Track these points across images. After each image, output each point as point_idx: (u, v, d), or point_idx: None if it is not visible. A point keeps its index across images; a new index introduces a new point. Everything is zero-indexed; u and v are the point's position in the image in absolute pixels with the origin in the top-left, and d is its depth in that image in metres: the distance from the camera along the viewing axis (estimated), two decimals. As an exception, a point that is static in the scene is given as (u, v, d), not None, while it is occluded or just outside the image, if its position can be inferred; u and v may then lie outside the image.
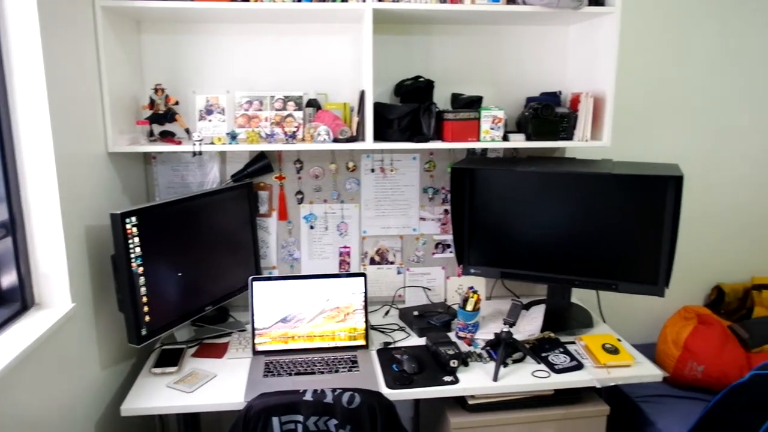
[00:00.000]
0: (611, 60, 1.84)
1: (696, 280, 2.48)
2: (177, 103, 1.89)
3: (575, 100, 1.94)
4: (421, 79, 1.98)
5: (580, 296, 2.31)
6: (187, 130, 1.92)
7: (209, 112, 1.85)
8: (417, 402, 2.24)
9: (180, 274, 1.79)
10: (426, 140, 1.87)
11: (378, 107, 1.88)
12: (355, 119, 1.89)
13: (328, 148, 1.84)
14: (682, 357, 2.07)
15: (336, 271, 2.19)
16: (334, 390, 1.43)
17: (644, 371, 1.74)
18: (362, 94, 1.83)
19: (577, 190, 1.91)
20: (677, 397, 2.07)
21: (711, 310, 2.38)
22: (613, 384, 1.73)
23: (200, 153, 1.98)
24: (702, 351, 2.04)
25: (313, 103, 1.95)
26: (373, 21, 1.86)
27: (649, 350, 2.34)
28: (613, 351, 1.79)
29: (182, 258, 1.80)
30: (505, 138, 1.90)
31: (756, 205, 2.44)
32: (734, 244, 2.47)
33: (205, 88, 1.99)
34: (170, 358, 1.75)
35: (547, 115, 1.87)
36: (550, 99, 2.02)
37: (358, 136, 1.88)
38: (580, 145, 1.92)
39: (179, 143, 1.82)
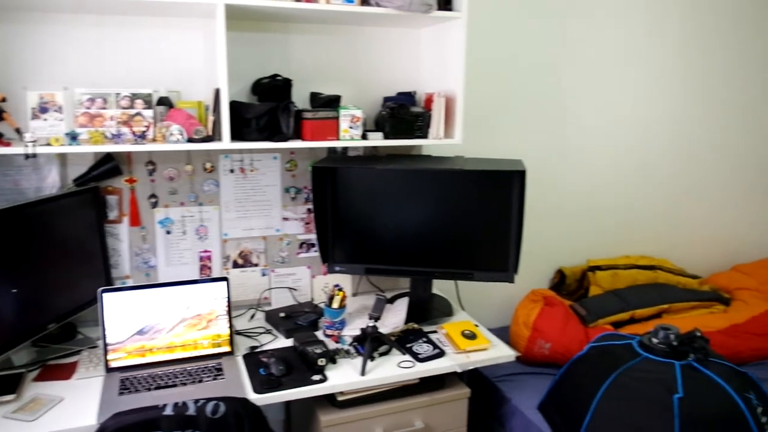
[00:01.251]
0: (460, 62, 1.95)
1: (541, 266, 2.70)
2: (4, 99, 1.70)
3: (429, 100, 2.03)
4: (279, 78, 1.96)
5: (440, 287, 2.42)
6: (18, 130, 1.73)
7: (44, 110, 1.68)
8: (288, 404, 2.22)
9: (15, 290, 1.61)
10: (285, 139, 1.85)
11: (235, 106, 1.83)
12: (211, 118, 1.82)
13: (183, 148, 1.76)
14: (532, 336, 2.25)
15: (196, 277, 2.10)
16: (196, 401, 1.37)
17: (499, 353, 1.87)
18: (217, 93, 1.77)
19: (433, 186, 2.00)
20: (529, 373, 2.24)
21: (555, 291, 2.61)
22: (472, 367, 1.83)
23: (34, 155, 1.80)
24: (548, 330, 2.23)
25: (165, 102, 1.84)
26: (227, 17, 1.80)
27: (503, 333, 2.52)
28: (472, 336, 1.90)
29: (17, 272, 1.62)
30: (363, 137, 1.94)
31: (591, 196, 2.72)
32: (573, 231, 2.73)
33: (39, 84, 1.80)
34: (7, 385, 1.57)
35: (403, 114, 1.94)
36: (406, 99, 2.09)
37: (215, 136, 1.81)
38: (434, 143, 2.01)
39: (8, 144, 1.64)
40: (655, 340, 1.80)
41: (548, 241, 2.69)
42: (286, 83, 1.96)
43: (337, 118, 1.89)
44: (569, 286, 2.68)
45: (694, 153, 2.93)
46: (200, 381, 1.62)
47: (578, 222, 2.74)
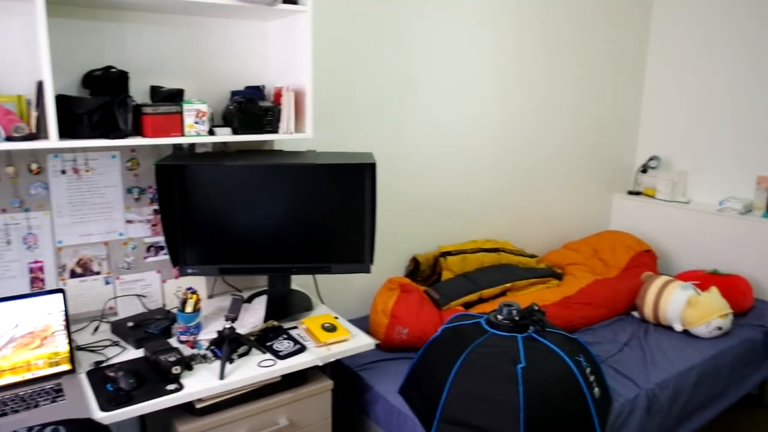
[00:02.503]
0: (307, 56, 1.94)
1: (397, 254, 2.80)
2: None
3: (278, 95, 2.00)
4: (114, 70, 1.82)
5: (299, 282, 2.41)
6: None
7: None
8: (143, 419, 2.08)
9: None
10: (123, 136, 1.72)
11: (62, 100, 1.66)
12: (34, 114, 1.64)
13: (0, 148, 1.57)
14: (390, 323, 2.32)
15: (26, 291, 1.89)
16: (31, 428, 1.24)
17: (360, 342, 1.91)
18: (40, 85, 1.59)
19: (286, 181, 1.98)
20: (390, 359, 2.31)
21: (410, 278, 2.72)
22: (334, 359, 1.85)
23: None
24: (405, 316, 2.32)
25: (-25, 96, 1.63)
26: (49, 1, 1.63)
27: (363, 322, 2.57)
28: (332, 329, 1.91)
29: None
30: (211, 132, 1.87)
31: (440, 186, 2.86)
32: (425, 220, 2.86)
33: None
34: None
35: (252, 108, 1.90)
36: (254, 93, 2.05)
37: (39, 134, 1.63)
38: (285, 138, 1.99)
39: None
40: (500, 317, 1.95)
41: (402, 231, 2.79)
42: (122, 76, 1.82)
43: (180, 113, 1.79)
44: (423, 272, 2.80)
45: (530, 144, 3.20)
46: (36, 406, 1.47)
47: (430, 211, 2.87)
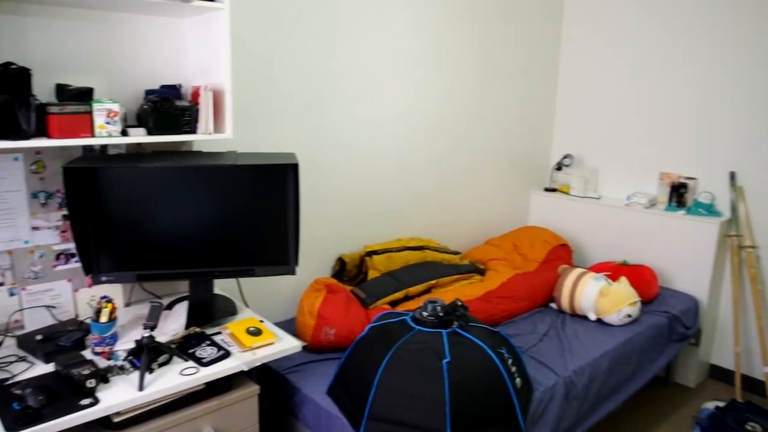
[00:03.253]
0: (225, 54, 1.90)
1: (323, 255, 2.79)
2: None
3: (196, 94, 1.94)
4: (14, 67, 1.70)
5: (223, 286, 2.35)
6: None
7: None
8: (54, 437, 1.96)
9: None
10: (26, 137, 1.61)
11: (-45, 99, 1.54)
12: None
13: None
14: (317, 325, 2.31)
15: None
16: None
17: (286, 345, 1.89)
18: (-72, 83, 1.47)
19: (206, 183, 1.93)
20: (317, 361, 2.30)
21: (336, 279, 2.71)
22: (259, 364, 1.82)
23: None
24: (332, 316, 2.31)
25: None
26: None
27: (291, 325, 2.55)
28: (257, 333, 1.88)
29: None
30: (124, 133, 1.79)
31: (365, 185, 2.87)
32: (350, 219, 2.86)
33: None
34: None
35: (167, 108, 1.83)
36: (170, 92, 1.97)
37: (-71, 136, 1.51)
38: (204, 138, 1.94)
39: None
40: (425, 314, 1.98)
41: (328, 231, 2.78)
42: (23, 73, 1.70)
43: (90, 112, 1.70)
44: (350, 272, 2.80)
45: (453, 144, 3.27)
46: (-69, 430, 1.36)
47: (355, 211, 2.88)
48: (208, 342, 1.84)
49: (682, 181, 3.26)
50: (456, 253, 3.13)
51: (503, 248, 3.34)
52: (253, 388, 1.85)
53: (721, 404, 2.88)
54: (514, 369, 1.96)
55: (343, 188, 2.80)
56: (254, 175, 1.95)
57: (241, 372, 1.81)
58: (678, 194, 3.26)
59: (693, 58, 3.21)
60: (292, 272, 2.06)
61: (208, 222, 1.96)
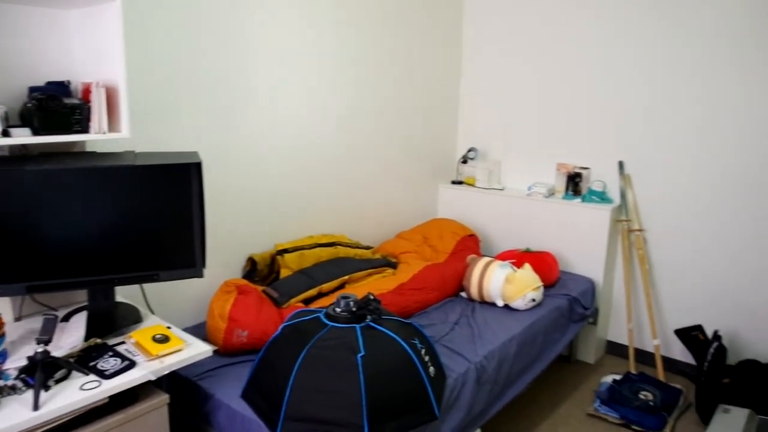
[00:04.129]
0: (119, 49, 1.80)
1: (232, 255, 2.72)
2: None
3: (87, 91, 1.83)
4: None
5: (126, 293, 2.24)
6: None
7: None
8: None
9: None
10: None
11: None
12: None
13: None
14: (229, 327, 2.25)
15: None
16: None
17: (196, 351, 1.83)
18: None
19: (102, 185, 1.82)
20: (230, 365, 2.24)
21: (248, 279, 2.66)
22: (168, 372, 1.75)
23: None
24: (244, 318, 2.26)
25: None
26: None
27: (201, 329, 2.46)
28: (164, 340, 1.81)
29: None
30: (5, 133, 1.65)
31: (274, 182, 2.82)
32: (259, 218, 2.81)
33: None
34: None
35: (54, 106, 1.71)
36: (58, 89, 1.85)
37: None
38: (98, 138, 1.83)
39: None
40: (338, 310, 1.98)
41: (236, 231, 2.71)
42: None
43: (-36, 112, 1.56)
44: (261, 271, 2.75)
45: (362, 139, 3.28)
46: None
47: (264, 209, 2.82)
48: (111, 353, 1.74)
49: (577, 170, 3.46)
50: (368, 247, 3.16)
51: (414, 241, 3.41)
52: (162, 398, 1.78)
53: (617, 377, 3.10)
54: (427, 358, 2.00)
55: (251, 187, 2.74)
56: (154, 176, 1.87)
57: (149, 382, 1.73)
58: (574, 183, 3.46)
59: (585, 57, 3.42)
60: (200, 275, 1.99)
61: (106, 227, 1.86)
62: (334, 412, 1.77)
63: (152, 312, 2.15)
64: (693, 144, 3.11)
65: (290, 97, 2.85)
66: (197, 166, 1.88)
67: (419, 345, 2.01)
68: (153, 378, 1.70)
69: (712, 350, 2.82)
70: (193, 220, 1.94)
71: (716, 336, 2.89)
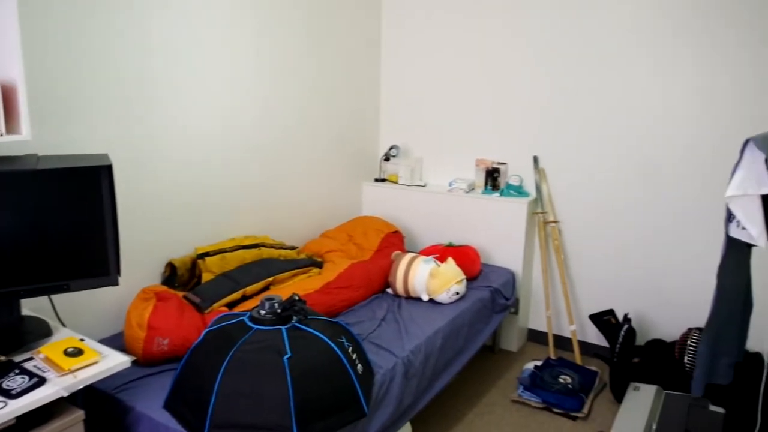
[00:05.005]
0: (15, 46, 1.68)
1: (150, 261, 2.61)
2: None
3: (-20, 91, 1.70)
4: None
5: (33, 306, 2.10)
6: None
7: None
8: None
9: None
10: None
11: None
12: None
13: None
14: (149, 336, 2.16)
15: None
16: None
17: (112, 362, 1.75)
18: None
19: (2, 192, 1.70)
20: (151, 375, 2.15)
21: (167, 285, 2.57)
22: (82, 386, 1.66)
23: None
24: (164, 326, 2.18)
25: None
26: None
27: (118, 339, 2.36)
28: (77, 353, 1.71)
29: None
30: None
31: (194, 184, 2.74)
32: (178, 222, 2.71)
33: None
34: None
35: (-56, 108, 1.58)
36: (-53, 89, 1.71)
37: None
38: (-4, 141, 1.71)
39: None
40: (263, 312, 1.95)
41: (154, 235, 2.61)
42: None
43: None
44: (181, 277, 2.66)
45: (283, 139, 3.24)
46: None
47: (183, 212, 2.73)
48: (18, 370, 1.64)
49: (495, 166, 3.58)
50: (293, 248, 3.12)
51: (339, 239, 3.41)
52: (77, 414, 1.69)
53: (538, 363, 3.23)
54: (354, 356, 2.01)
55: (169, 189, 2.64)
56: (60, 180, 1.76)
57: (62, 399, 1.64)
58: (492, 178, 3.58)
59: (498, 55, 3.53)
60: (115, 283, 1.90)
61: (6, 235, 1.73)
62: (262, 415, 1.74)
63: (63, 324, 2.03)
64: (597, 137, 3.29)
65: (208, 96, 2.77)
66: (108, 169, 1.80)
67: (346, 343, 2.01)
68: (65, 394, 1.60)
69: (622, 333, 3.00)
70: (105, 225, 1.84)
71: (626, 319, 3.08)
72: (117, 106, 2.38)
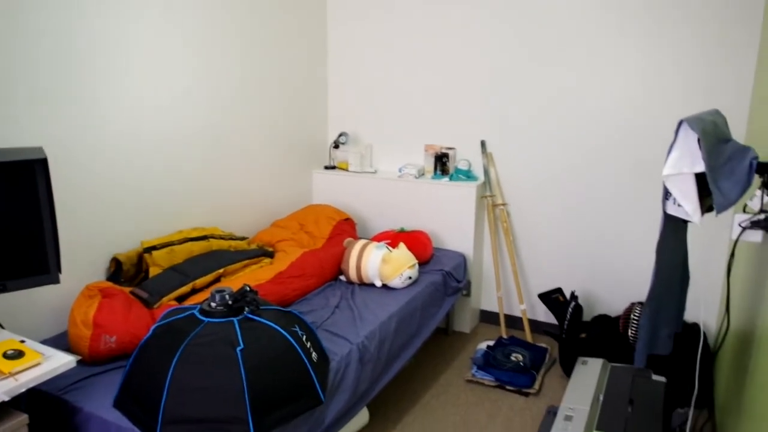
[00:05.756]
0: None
1: (94, 257, 2.52)
2: None
3: None
4: None
5: (-33, 309, 2.01)
6: None
7: None
8: None
9: None
10: None
11: None
12: None
13: None
14: (95, 334, 2.10)
15: None
16: None
17: (56, 363, 1.68)
18: None
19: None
20: (99, 374, 2.09)
21: (113, 281, 2.49)
22: (25, 390, 1.60)
23: None
24: (110, 323, 2.12)
25: None
26: None
27: (63, 339, 2.28)
28: (17, 355, 1.65)
29: None
30: None
31: (138, 177, 2.65)
32: (123, 215, 2.63)
33: None
34: None
35: None
36: None
37: None
38: None
39: None
40: (213, 304, 1.92)
41: (96, 231, 2.52)
42: None
43: None
44: (127, 272, 2.59)
45: (230, 128, 3.17)
46: None
47: (127, 205, 2.65)
48: (-47, 376, 1.56)
49: (444, 151, 3.61)
50: (243, 238, 3.08)
51: (290, 228, 3.38)
52: (20, 419, 1.62)
53: (491, 343, 3.31)
54: (309, 344, 2.01)
55: (109, 183, 2.55)
56: (-8, 176, 1.68)
57: (3, 403, 1.57)
58: (441, 163, 3.61)
59: (447, 42, 3.55)
60: (56, 281, 1.83)
61: (-65, 236, 1.64)
62: (216, 408, 1.72)
63: (1, 326, 1.95)
64: (542, 121, 3.36)
65: (150, 87, 2.68)
66: (42, 163, 1.72)
67: (300, 332, 2.00)
68: (6, 398, 1.54)
69: (570, 310, 3.10)
70: (42, 221, 1.77)
71: (573, 296, 3.18)
72: (53, 99, 2.28)
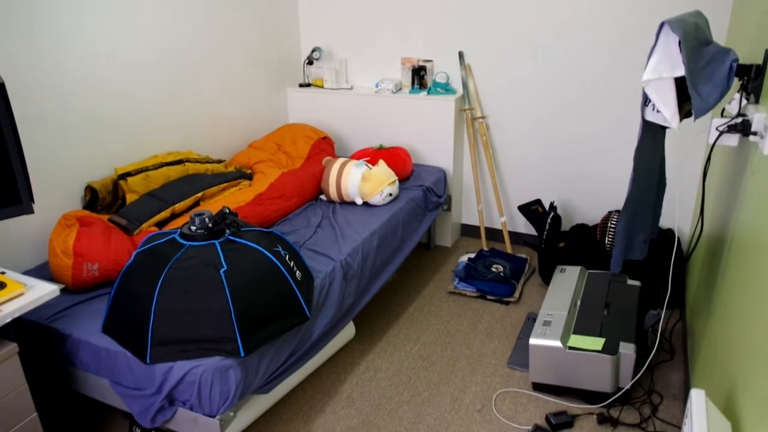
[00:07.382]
0: None
1: (68, 186, 2.47)
2: None
3: None
4: None
5: (-58, 243, 1.97)
6: None
7: None
8: None
9: None
10: None
11: None
12: None
13: None
14: (76, 263, 2.09)
15: None
16: None
17: (39, 293, 1.68)
18: None
19: None
20: (85, 301, 2.11)
21: (90, 210, 2.46)
22: (10, 320, 1.60)
23: None
24: (91, 251, 2.11)
25: None
26: None
27: (44, 269, 2.28)
28: (1, 287, 1.64)
29: None
30: None
31: (108, 103, 2.55)
32: (96, 142, 2.55)
33: None
34: None
35: None
36: None
37: None
38: None
39: None
40: (193, 228, 1.91)
41: (71, 158, 2.45)
42: None
43: None
44: (104, 200, 2.55)
45: (198, 49, 3.03)
46: None
47: (100, 131, 2.56)
48: (-65, 310, 1.55)
49: (421, 64, 3.51)
50: (220, 161, 3.03)
51: (267, 149, 3.32)
52: (10, 348, 1.64)
53: (472, 255, 3.37)
54: (292, 263, 2.02)
55: (78, 109, 2.45)
56: (-51, 104, 1.60)
57: (-11, 334, 1.58)
58: (419, 77, 3.52)
59: (417, -58, 3.37)
60: (29, 211, 1.79)
61: None
62: (204, 328, 1.75)
63: (-20, 259, 1.93)
64: (519, 30, 3.26)
65: (116, 8, 2.52)
66: (0, 87, 1.63)
67: (282, 252, 2.01)
68: (-7, 328, 1.55)
69: (549, 220, 3.15)
70: (7, 149, 1.70)
71: (552, 207, 3.22)
72: (16, 25, 2.14)
